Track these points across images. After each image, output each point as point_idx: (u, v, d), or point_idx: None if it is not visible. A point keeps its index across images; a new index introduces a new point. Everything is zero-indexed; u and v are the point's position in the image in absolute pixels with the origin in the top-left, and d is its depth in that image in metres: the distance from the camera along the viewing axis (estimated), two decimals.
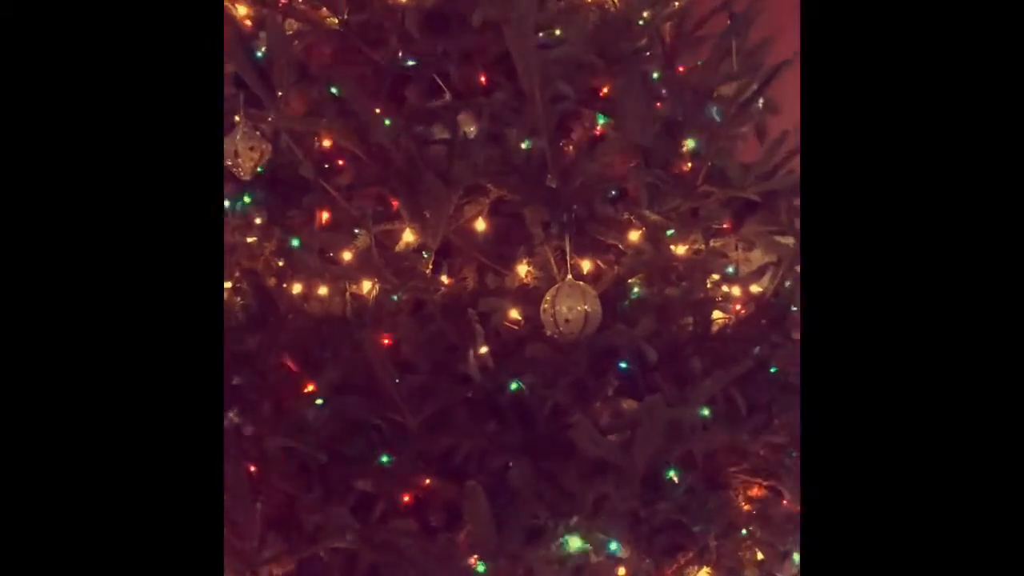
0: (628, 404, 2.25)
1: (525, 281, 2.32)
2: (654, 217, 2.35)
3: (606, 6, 2.46)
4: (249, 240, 2.38)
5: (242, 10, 2.45)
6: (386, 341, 2.27)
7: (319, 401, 2.25)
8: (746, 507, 2.34)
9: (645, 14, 2.45)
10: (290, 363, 2.29)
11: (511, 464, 2.18)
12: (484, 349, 2.25)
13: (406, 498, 2.23)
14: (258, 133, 2.30)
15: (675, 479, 2.24)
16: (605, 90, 2.42)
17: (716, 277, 2.49)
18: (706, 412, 2.27)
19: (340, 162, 2.40)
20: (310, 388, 2.26)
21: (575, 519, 2.15)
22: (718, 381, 2.24)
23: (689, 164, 2.46)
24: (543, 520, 2.15)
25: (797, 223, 2.46)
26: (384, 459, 2.21)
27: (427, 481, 2.24)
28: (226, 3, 2.39)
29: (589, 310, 2.16)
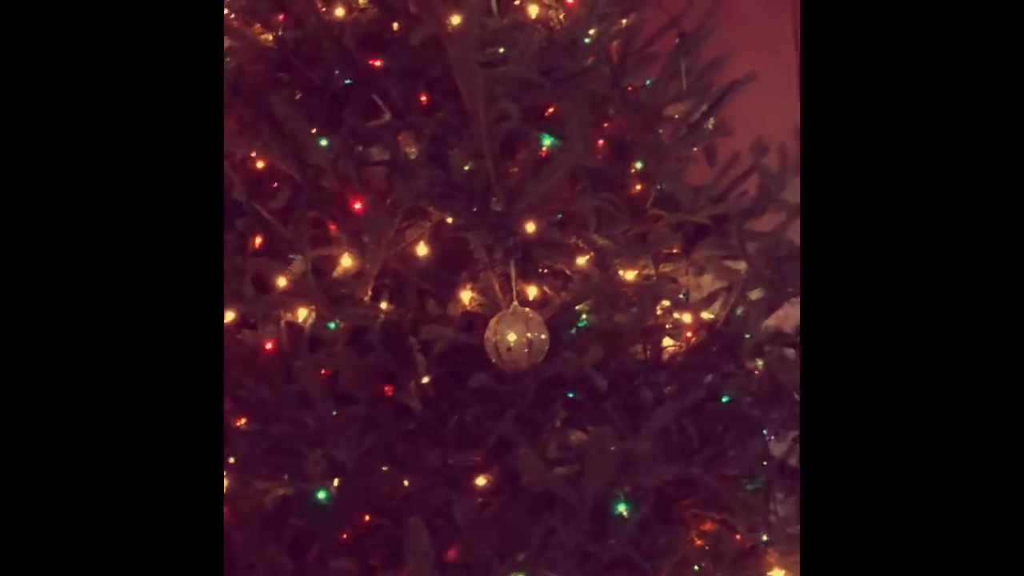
0: (576, 435, 2.19)
1: (468, 308, 2.23)
2: (602, 241, 2.28)
3: (552, 24, 2.39)
4: None
5: None
6: (323, 371, 2.18)
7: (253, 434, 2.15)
8: (698, 542, 2.27)
9: (592, 32, 2.38)
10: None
11: (454, 499, 2.09)
12: (426, 379, 2.16)
13: (344, 536, 2.14)
14: None
15: (625, 513, 2.16)
16: (551, 110, 2.36)
17: (667, 303, 2.41)
18: (656, 443, 2.19)
19: (274, 184, 2.33)
20: (242, 421, 2.17)
21: (521, 556, 2.07)
22: (669, 411, 2.17)
23: (638, 186, 2.40)
24: (488, 557, 2.07)
25: (749, 247, 2.40)
26: (321, 495, 2.12)
27: (366, 518, 2.16)
28: None
29: (533, 337, 2.09)
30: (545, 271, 2.29)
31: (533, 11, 2.37)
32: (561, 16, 2.40)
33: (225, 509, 2.11)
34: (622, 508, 2.16)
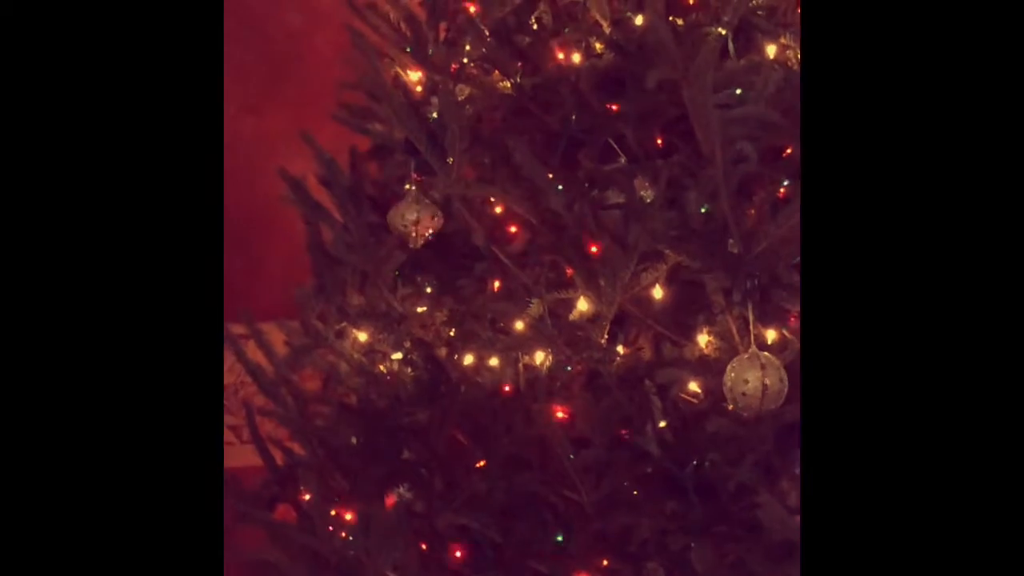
0: None
1: (705, 351, 2.20)
2: None
3: (789, 63, 2.35)
4: (420, 310, 2.35)
5: (414, 76, 2.44)
6: (560, 414, 2.20)
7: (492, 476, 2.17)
8: None
9: None
10: (461, 437, 2.23)
11: (693, 545, 2.07)
12: (663, 423, 2.15)
13: None
14: (428, 200, 2.27)
15: None
16: (788, 151, 2.32)
17: None
18: None
19: (512, 229, 2.36)
20: (482, 463, 2.20)
21: None
22: None
23: None
24: None
25: None
26: (559, 538, 2.13)
27: (604, 562, 2.15)
28: (398, 69, 2.38)
29: (769, 383, 2.05)
30: (784, 314, 2.25)
31: (771, 51, 2.34)
32: (799, 55, 2.37)
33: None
34: None
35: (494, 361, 2.28)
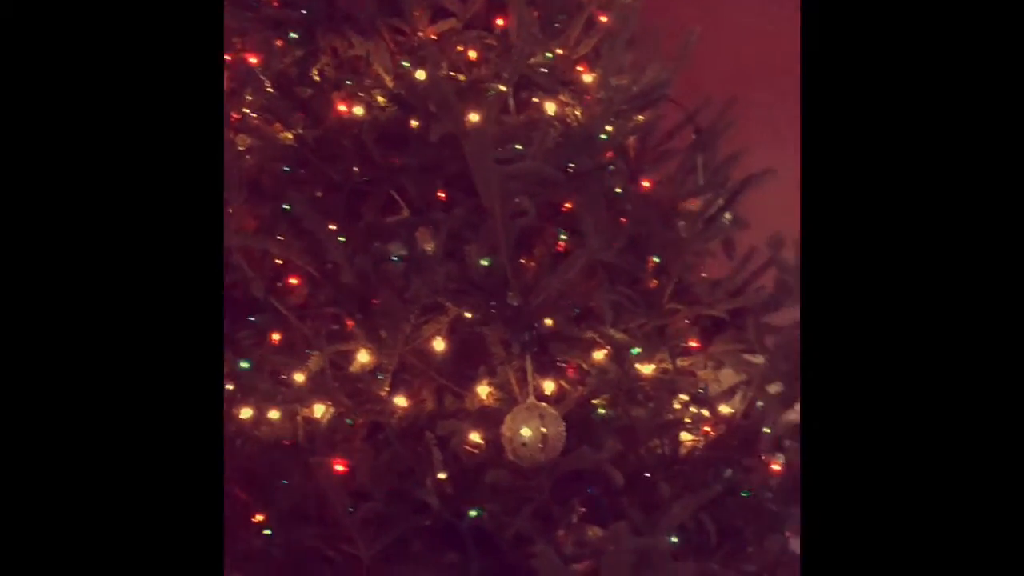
0: (593, 531, 2.16)
1: (486, 402, 2.22)
2: (619, 336, 2.28)
3: (568, 120, 2.41)
4: None
5: None
6: (340, 467, 2.17)
7: (268, 531, 2.14)
8: None
9: (608, 128, 2.40)
10: (239, 491, 2.18)
11: None
12: (443, 475, 2.15)
13: None
14: None
15: None
16: (568, 205, 2.37)
17: (685, 397, 2.40)
18: (675, 539, 2.16)
19: (293, 280, 2.33)
20: (259, 517, 2.16)
21: None
22: (687, 507, 2.14)
23: (655, 281, 2.39)
24: None
25: (767, 340, 2.39)
26: None
27: None
28: None
29: (548, 432, 2.08)
30: (562, 365, 2.29)
31: (550, 108, 2.40)
32: (578, 112, 2.43)
33: None
34: None
35: (274, 414, 2.25)
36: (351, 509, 2.09)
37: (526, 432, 2.09)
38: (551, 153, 2.28)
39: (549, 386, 2.24)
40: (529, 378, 2.15)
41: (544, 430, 2.09)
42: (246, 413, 2.23)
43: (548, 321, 2.21)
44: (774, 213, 2.53)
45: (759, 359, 2.42)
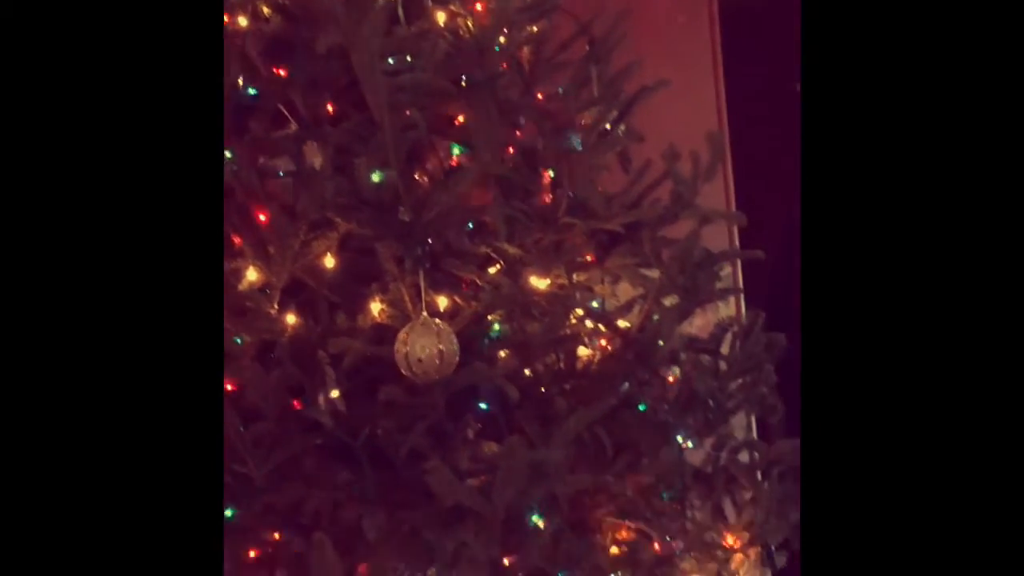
0: (489, 447, 2.15)
1: (378, 319, 2.19)
2: (513, 250, 2.25)
3: (460, 32, 2.36)
4: None
5: None
6: (229, 387, 2.13)
7: None
8: (614, 551, 2.25)
9: (501, 39, 2.35)
10: None
11: (365, 515, 2.06)
12: (335, 393, 2.13)
13: (252, 554, 2.10)
14: None
15: (538, 524, 2.13)
16: (460, 118, 2.33)
17: (580, 312, 2.39)
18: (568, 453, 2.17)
19: None
20: None
21: (433, 570, 2.03)
22: (582, 420, 2.14)
23: (550, 195, 2.37)
24: (400, 572, 2.03)
25: (663, 254, 2.39)
26: (228, 513, 2.08)
27: (275, 535, 2.11)
28: None
29: (444, 349, 2.07)
30: (456, 281, 2.26)
31: (441, 18, 2.34)
32: (469, 23, 2.37)
33: None
34: (535, 519, 2.13)
35: None
36: (242, 429, 2.06)
37: (422, 348, 2.07)
38: (442, 65, 2.24)
39: (443, 302, 2.22)
40: (422, 294, 2.12)
41: (440, 346, 2.07)
42: None
43: (440, 236, 2.18)
44: (669, 125, 2.52)
45: (655, 273, 2.41)
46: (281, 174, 2.23)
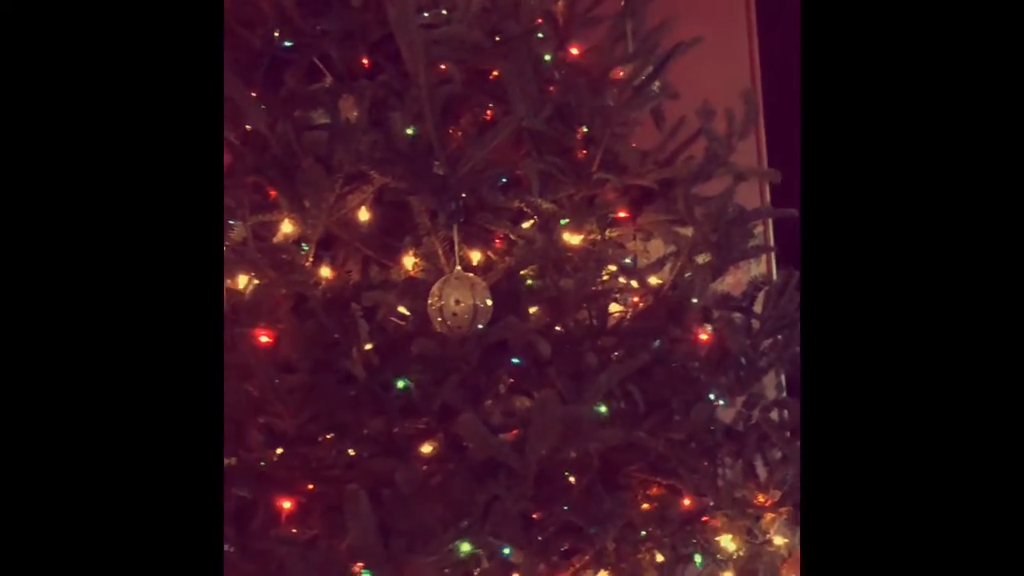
0: (520, 401, 2.16)
1: (412, 273, 2.20)
2: (547, 205, 2.25)
3: None
4: None
5: None
6: (264, 339, 2.14)
7: None
8: (644, 507, 2.25)
9: None
10: None
11: (397, 467, 2.06)
12: (368, 345, 2.13)
13: (287, 504, 2.11)
14: None
15: (570, 479, 2.14)
16: (495, 73, 2.32)
17: (613, 268, 2.39)
18: (603, 409, 2.17)
19: None
20: None
21: (465, 523, 2.04)
22: (614, 376, 2.14)
23: (583, 150, 2.36)
24: (431, 525, 2.04)
25: (696, 211, 2.38)
26: (262, 464, 2.09)
27: (309, 486, 2.12)
28: None
29: (478, 303, 2.07)
30: (489, 236, 2.26)
31: None
32: None
33: None
34: (567, 474, 2.14)
35: None
36: (276, 381, 2.07)
37: (459, 302, 2.07)
38: (477, 18, 2.23)
39: (476, 256, 2.22)
40: (456, 248, 2.12)
41: (474, 300, 2.08)
42: None
43: (474, 191, 2.17)
44: (704, 82, 2.51)
45: (688, 230, 2.41)
46: (317, 127, 2.22)
